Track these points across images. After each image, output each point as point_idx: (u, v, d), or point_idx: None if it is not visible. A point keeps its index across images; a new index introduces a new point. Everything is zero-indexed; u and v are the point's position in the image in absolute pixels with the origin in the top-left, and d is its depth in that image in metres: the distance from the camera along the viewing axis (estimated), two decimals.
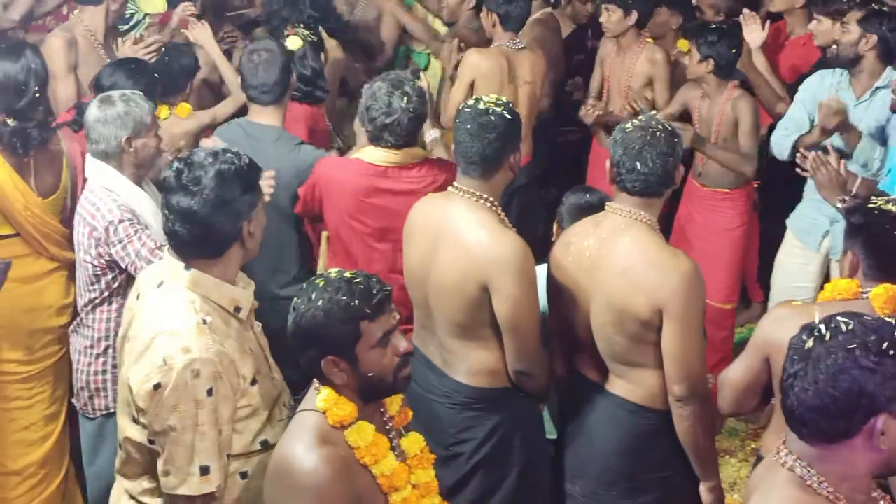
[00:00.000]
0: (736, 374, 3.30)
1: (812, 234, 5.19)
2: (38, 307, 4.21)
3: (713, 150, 5.22)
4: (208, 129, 5.05)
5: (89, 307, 3.94)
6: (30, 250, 4.18)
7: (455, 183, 3.57)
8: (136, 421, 2.90)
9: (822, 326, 2.18)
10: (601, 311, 3.44)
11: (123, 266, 3.80)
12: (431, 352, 3.68)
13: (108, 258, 3.82)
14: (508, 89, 5.39)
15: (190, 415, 2.77)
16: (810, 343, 2.17)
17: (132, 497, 3.05)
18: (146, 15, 5.83)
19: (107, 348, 3.92)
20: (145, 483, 3.00)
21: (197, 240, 2.86)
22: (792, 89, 5.33)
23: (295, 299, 2.69)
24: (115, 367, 3.87)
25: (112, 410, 3.90)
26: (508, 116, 3.50)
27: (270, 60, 4.40)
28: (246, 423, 2.90)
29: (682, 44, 5.65)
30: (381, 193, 4.10)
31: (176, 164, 2.88)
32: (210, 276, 2.89)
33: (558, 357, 3.73)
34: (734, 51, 5.24)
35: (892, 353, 2.10)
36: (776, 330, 3.11)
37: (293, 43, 4.91)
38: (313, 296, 2.63)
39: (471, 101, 3.59)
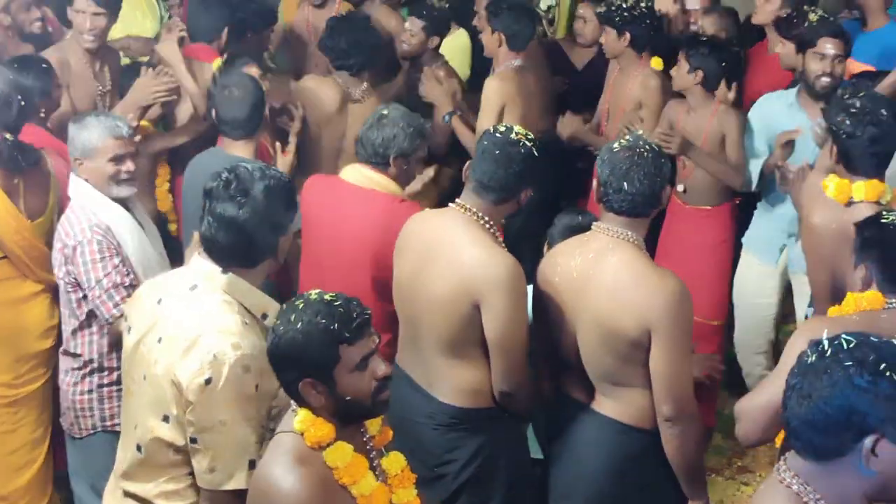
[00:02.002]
0: (772, 397, 3.00)
1: (768, 251, 5.21)
2: (23, 330, 4.18)
3: (704, 158, 5.14)
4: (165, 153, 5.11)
5: (70, 332, 3.91)
6: (16, 273, 4.15)
7: (458, 199, 3.55)
8: (166, 420, 2.91)
9: (826, 342, 2.17)
10: (589, 330, 3.43)
11: (83, 289, 3.79)
12: (416, 373, 3.66)
13: (74, 277, 3.81)
14: (531, 107, 5.38)
15: (241, 409, 2.83)
16: (813, 358, 2.17)
17: (142, 501, 3.04)
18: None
19: (93, 370, 3.90)
20: (163, 485, 3.01)
21: (236, 249, 2.94)
22: None
23: (274, 321, 2.69)
24: (100, 386, 3.88)
25: (98, 430, 3.89)
26: (536, 154, 3.50)
27: (242, 97, 4.35)
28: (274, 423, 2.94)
29: (656, 62, 5.61)
30: (334, 208, 4.06)
31: (224, 175, 2.95)
32: (244, 281, 2.97)
33: (545, 377, 3.71)
34: (723, 64, 5.22)
35: (888, 374, 2.09)
36: None
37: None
38: (292, 318, 2.61)
39: (501, 128, 3.56)
